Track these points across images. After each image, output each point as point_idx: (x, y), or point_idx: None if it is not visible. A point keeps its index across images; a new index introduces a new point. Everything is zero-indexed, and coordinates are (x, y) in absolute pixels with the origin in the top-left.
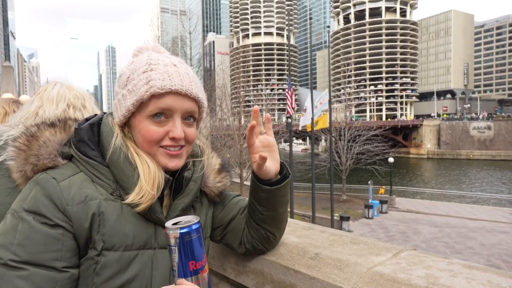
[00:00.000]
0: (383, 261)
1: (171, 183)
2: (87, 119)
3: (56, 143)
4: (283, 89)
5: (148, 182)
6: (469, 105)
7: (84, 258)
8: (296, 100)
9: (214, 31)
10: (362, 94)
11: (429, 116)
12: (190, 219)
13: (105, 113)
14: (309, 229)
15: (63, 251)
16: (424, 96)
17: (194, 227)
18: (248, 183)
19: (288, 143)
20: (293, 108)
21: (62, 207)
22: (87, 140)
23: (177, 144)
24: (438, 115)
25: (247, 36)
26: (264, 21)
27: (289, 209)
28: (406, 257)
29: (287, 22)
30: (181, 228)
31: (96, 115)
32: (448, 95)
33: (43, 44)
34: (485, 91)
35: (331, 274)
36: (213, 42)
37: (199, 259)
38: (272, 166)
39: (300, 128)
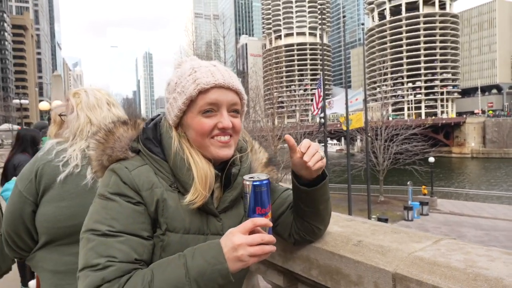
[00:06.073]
0: (423, 248)
1: (221, 177)
2: (152, 119)
3: (128, 138)
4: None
5: (201, 184)
6: None
7: (154, 235)
8: (330, 102)
9: (246, 34)
10: (399, 92)
11: (472, 113)
12: (262, 176)
13: (164, 113)
14: (351, 220)
15: (146, 223)
16: (467, 92)
17: (264, 182)
18: (282, 184)
19: (323, 144)
20: (318, 108)
21: (138, 191)
22: (152, 138)
23: (227, 133)
24: (483, 112)
25: (279, 37)
26: (297, 21)
27: None
28: (445, 244)
29: (319, 21)
30: (253, 181)
31: (159, 115)
32: (494, 90)
33: (86, 53)
34: None
35: (374, 258)
36: (246, 44)
37: (264, 207)
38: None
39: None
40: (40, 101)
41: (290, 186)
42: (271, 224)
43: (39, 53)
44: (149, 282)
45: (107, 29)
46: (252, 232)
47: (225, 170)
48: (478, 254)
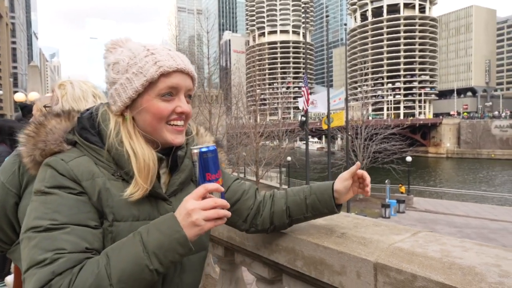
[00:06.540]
0: (402, 239)
1: (168, 162)
2: (88, 109)
3: (62, 130)
4: (299, 87)
5: (141, 177)
6: (490, 103)
7: (102, 227)
8: (313, 102)
9: (230, 30)
10: (379, 92)
11: (448, 114)
12: (209, 145)
13: (101, 103)
14: None
15: (92, 212)
16: (444, 94)
17: (210, 148)
18: (263, 181)
19: (304, 142)
20: (308, 105)
21: (78, 181)
22: (88, 127)
23: (182, 118)
24: (458, 114)
25: (263, 34)
26: (280, 19)
27: None
28: (423, 236)
29: (303, 20)
30: (201, 148)
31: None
32: (469, 93)
33: (64, 44)
34: (508, 89)
35: (357, 249)
36: (229, 40)
37: (213, 172)
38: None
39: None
40: (15, 92)
41: (271, 183)
42: (222, 189)
43: (14, 42)
44: (105, 265)
45: (87, 20)
46: (205, 198)
47: (170, 154)
48: (453, 245)
